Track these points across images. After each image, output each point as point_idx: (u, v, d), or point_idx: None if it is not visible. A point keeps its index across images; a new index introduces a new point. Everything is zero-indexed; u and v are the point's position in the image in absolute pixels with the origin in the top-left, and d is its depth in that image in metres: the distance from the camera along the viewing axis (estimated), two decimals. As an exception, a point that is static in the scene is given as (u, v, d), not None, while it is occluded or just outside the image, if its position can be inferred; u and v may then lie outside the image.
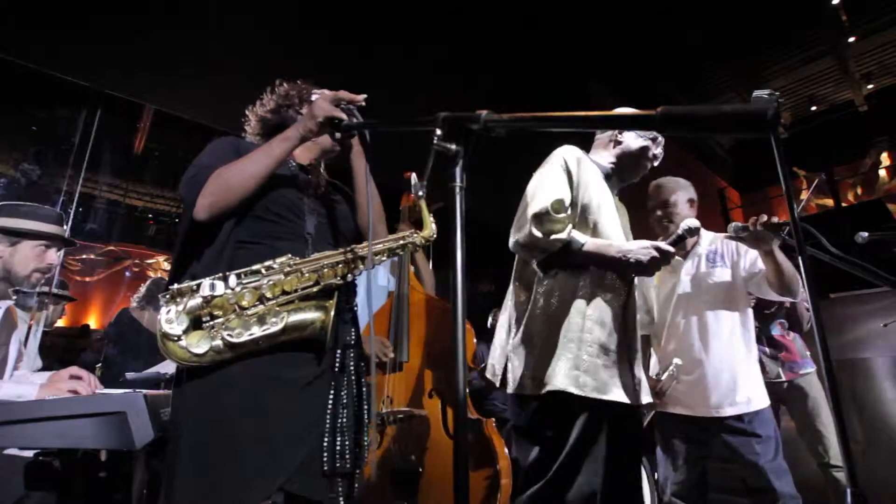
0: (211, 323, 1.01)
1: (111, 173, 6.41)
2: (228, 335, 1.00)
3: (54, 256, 1.88)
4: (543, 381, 1.42)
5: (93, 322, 7.39)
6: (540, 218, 1.44)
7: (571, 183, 1.54)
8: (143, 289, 3.14)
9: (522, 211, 1.50)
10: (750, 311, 2.09)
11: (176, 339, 0.99)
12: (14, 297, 1.88)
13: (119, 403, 1.33)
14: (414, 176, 1.20)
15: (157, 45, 3.51)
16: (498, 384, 1.55)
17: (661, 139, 1.69)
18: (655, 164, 1.70)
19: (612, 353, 1.45)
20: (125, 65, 3.72)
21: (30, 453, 1.68)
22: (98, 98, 4.61)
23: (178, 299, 1.02)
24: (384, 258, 1.22)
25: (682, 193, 2.14)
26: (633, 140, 1.66)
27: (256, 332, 1.01)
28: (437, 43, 3.99)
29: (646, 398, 1.51)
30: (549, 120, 1.24)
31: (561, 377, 1.40)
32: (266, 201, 1.15)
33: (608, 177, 1.68)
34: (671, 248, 1.44)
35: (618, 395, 1.41)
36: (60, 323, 3.53)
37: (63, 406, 1.37)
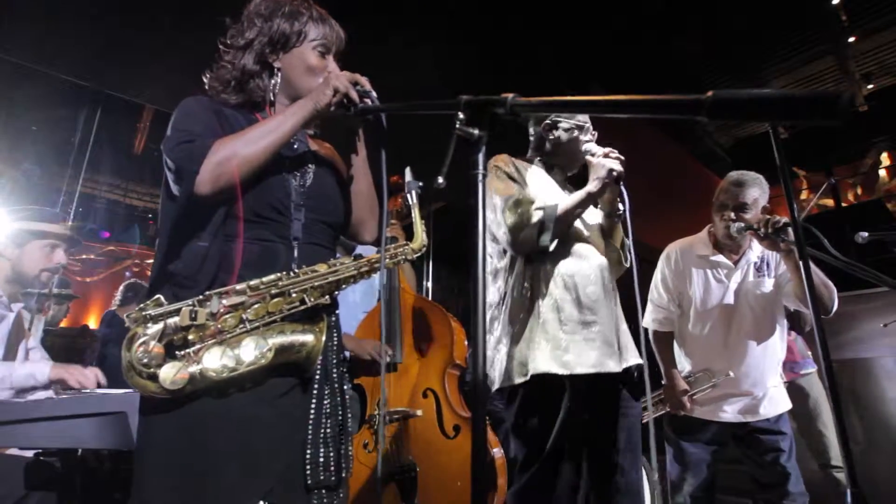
0: (187, 351, 0.89)
1: (111, 173, 6.41)
2: (208, 370, 0.89)
3: (62, 255, 1.90)
4: (528, 367, 1.45)
5: (93, 322, 7.39)
6: (509, 209, 1.51)
7: (515, 179, 1.61)
8: (118, 295, 3.28)
9: (493, 220, 1.57)
10: (785, 320, 2.09)
11: (146, 375, 0.87)
12: (22, 300, 1.91)
13: (119, 403, 1.33)
14: (408, 172, 1.12)
15: (157, 45, 3.51)
16: (492, 387, 1.56)
17: (588, 126, 1.71)
18: (589, 145, 1.67)
19: (588, 325, 1.49)
20: (125, 65, 3.71)
21: (30, 453, 1.68)
22: (98, 98, 4.61)
23: (149, 324, 0.88)
24: (371, 275, 1.07)
25: (762, 199, 2.01)
26: (560, 133, 1.71)
27: (241, 368, 0.91)
28: (436, 44, 3.99)
29: (633, 360, 1.55)
30: (579, 104, 1.21)
31: (543, 360, 1.43)
32: (248, 200, 1.00)
33: (549, 169, 1.75)
34: (615, 164, 1.51)
35: (602, 365, 1.45)
36: (61, 323, 3.58)
37: (63, 406, 1.38)
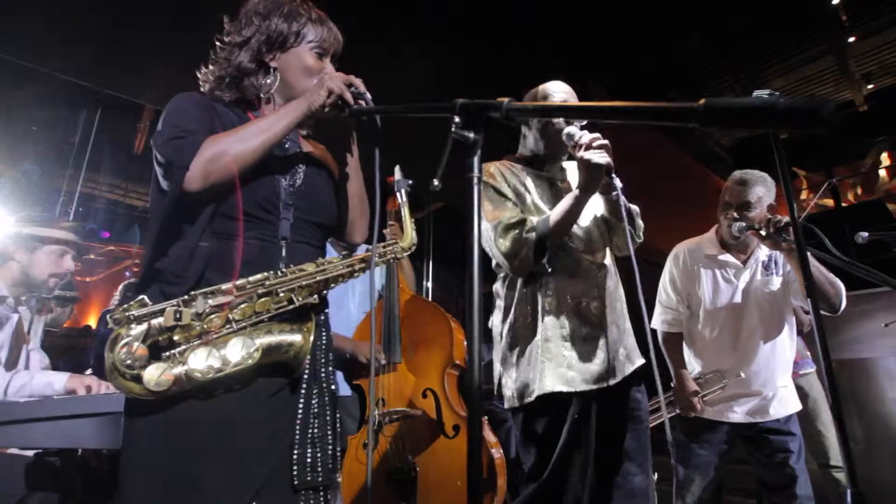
0: (172, 352, 0.88)
1: (111, 173, 6.41)
2: (194, 371, 0.87)
3: (70, 262, 1.94)
4: (532, 387, 1.44)
5: (93, 322, 7.40)
6: (500, 237, 1.45)
7: (503, 195, 1.53)
8: (117, 295, 3.30)
9: (487, 244, 1.50)
10: (794, 318, 2.08)
11: (130, 376, 0.85)
12: (24, 300, 1.93)
13: (119, 403, 1.33)
14: (397, 170, 1.11)
15: (157, 45, 3.51)
16: (495, 393, 1.56)
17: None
18: (570, 128, 1.45)
19: (592, 340, 1.48)
20: (125, 65, 3.72)
21: (30, 453, 1.69)
22: (98, 98, 4.61)
23: (133, 325, 0.86)
24: (360, 274, 1.06)
25: (767, 197, 1.98)
26: (536, 123, 1.60)
27: (227, 368, 0.89)
28: (435, 43, 3.99)
29: (629, 367, 1.52)
30: (574, 110, 1.20)
31: (550, 380, 1.42)
32: (236, 198, 0.99)
33: (540, 164, 1.64)
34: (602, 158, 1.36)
35: (605, 380, 1.44)
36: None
37: (63, 406, 1.38)
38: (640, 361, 1.56)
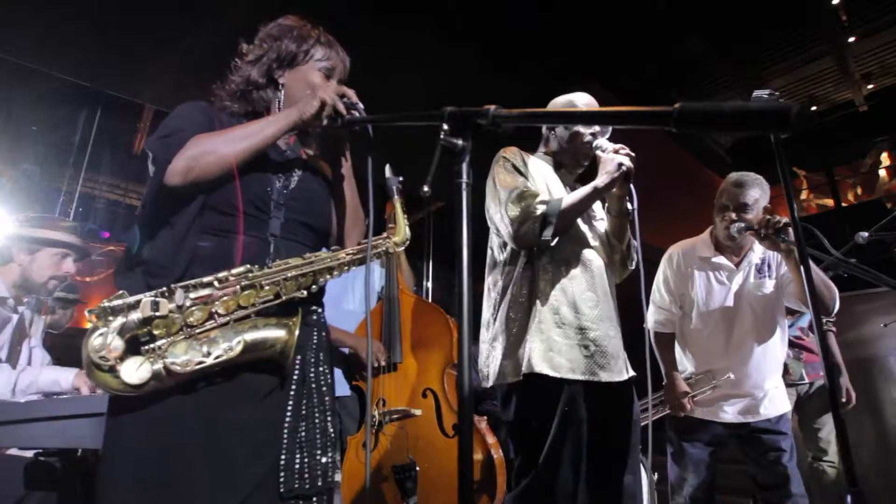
0: (151, 346, 0.85)
1: (111, 173, 6.41)
2: (173, 364, 0.85)
3: (71, 265, 1.95)
4: (520, 366, 1.45)
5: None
6: (512, 202, 1.50)
7: (521, 172, 1.60)
8: None
9: (497, 211, 1.56)
10: (785, 319, 2.09)
11: (107, 369, 0.83)
12: (26, 301, 1.94)
13: (119, 403, 1.33)
14: (388, 168, 1.15)
15: (157, 45, 3.51)
16: (484, 382, 1.57)
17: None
18: (600, 140, 1.58)
19: (583, 331, 1.48)
20: (125, 65, 3.72)
21: (30, 453, 1.69)
22: (98, 98, 4.61)
23: (111, 318, 0.85)
24: (349, 269, 1.07)
25: (763, 199, 2.01)
26: (559, 130, 1.70)
27: (208, 360, 0.87)
28: (436, 44, 3.99)
29: (626, 373, 1.54)
30: (559, 116, 1.23)
31: (536, 360, 1.42)
32: (228, 193, 1.00)
33: (557, 167, 1.74)
34: (624, 160, 1.47)
35: (594, 374, 1.44)
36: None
37: (63, 406, 1.38)
38: (630, 374, 1.57)
